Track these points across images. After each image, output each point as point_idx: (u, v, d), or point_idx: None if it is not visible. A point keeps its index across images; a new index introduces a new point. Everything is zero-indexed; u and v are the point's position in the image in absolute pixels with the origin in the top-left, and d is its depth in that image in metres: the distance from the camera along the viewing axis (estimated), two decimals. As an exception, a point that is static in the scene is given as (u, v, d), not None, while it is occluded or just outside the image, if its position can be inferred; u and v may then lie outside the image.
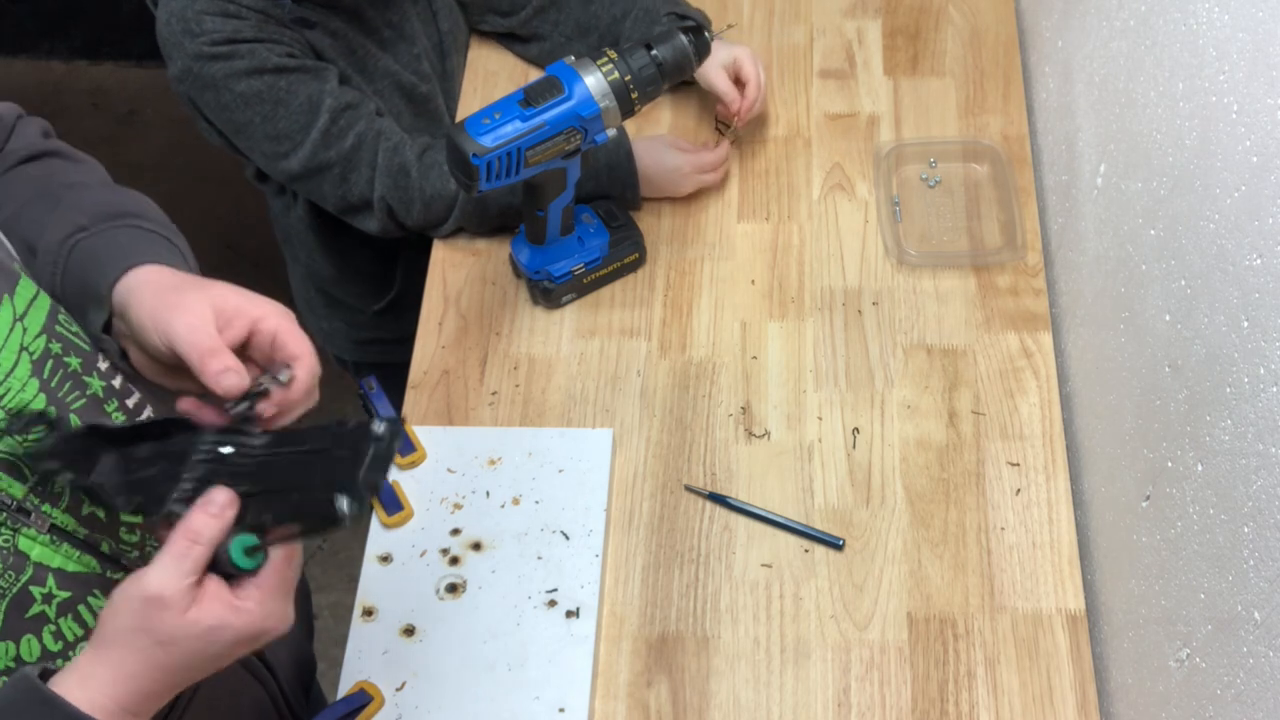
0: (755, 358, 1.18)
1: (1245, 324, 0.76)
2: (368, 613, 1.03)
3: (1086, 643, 1.02)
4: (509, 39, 1.42)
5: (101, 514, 0.76)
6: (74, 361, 0.76)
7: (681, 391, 1.17)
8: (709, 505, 1.10)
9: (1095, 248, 1.09)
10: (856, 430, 1.13)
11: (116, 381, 0.80)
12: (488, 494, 1.09)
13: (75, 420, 0.75)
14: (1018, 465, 1.10)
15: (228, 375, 0.71)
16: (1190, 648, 0.84)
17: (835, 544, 1.07)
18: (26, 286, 0.74)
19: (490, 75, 1.41)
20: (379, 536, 1.08)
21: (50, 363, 0.73)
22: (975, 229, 1.26)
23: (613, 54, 1.06)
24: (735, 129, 1.31)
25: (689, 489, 1.11)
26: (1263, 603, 0.73)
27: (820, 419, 1.14)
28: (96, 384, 0.78)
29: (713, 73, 1.25)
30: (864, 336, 1.19)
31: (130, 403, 0.81)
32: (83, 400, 0.76)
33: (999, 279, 1.22)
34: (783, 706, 1.00)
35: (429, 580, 1.05)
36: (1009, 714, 0.99)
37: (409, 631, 1.02)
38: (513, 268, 1.25)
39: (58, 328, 0.75)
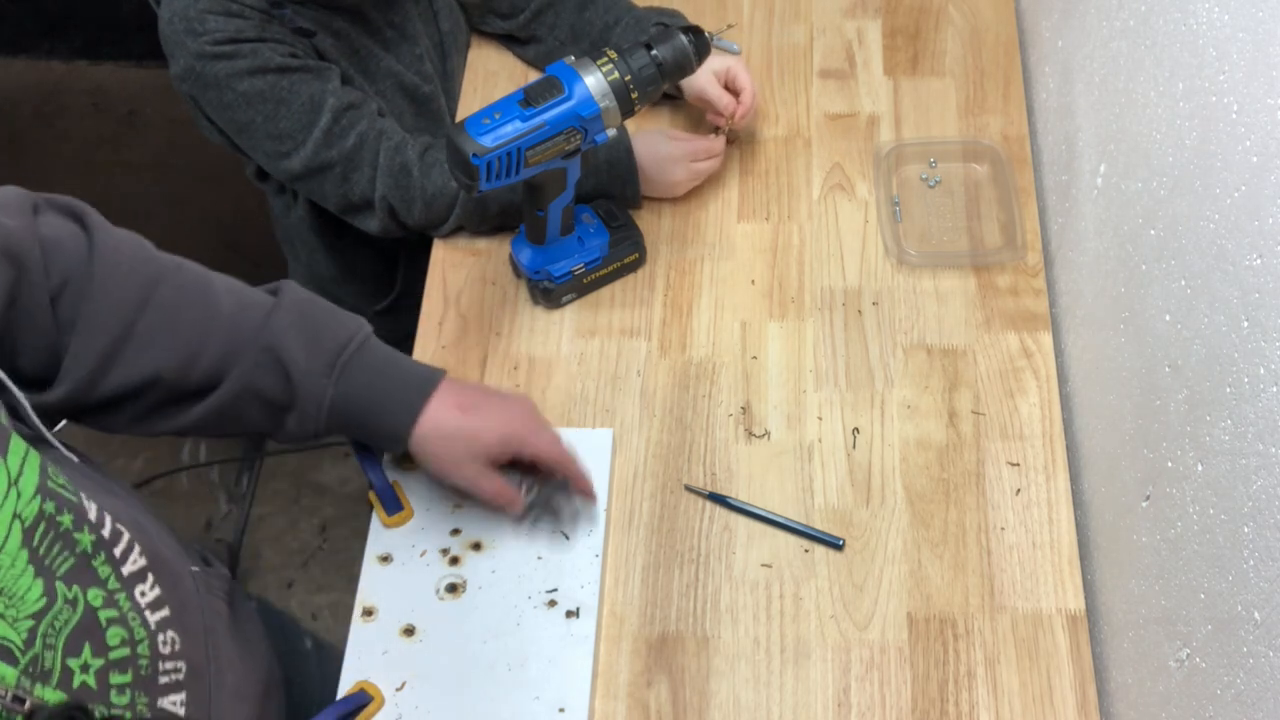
0: (755, 358, 1.18)
1: (1245, 324, 0.76)
2: (368, 613, 1.03)
3: (1086, 643, 1.02)
4: (508, 40, 1.42)
5: (92, 682, 0.74)
6: (66, 519, 0.75)
7: (681, 391, 1.17)
8: (709, 505, 1.10)
9: (1095, 248, 1.09)
10: (856, 430, 1.13)
11: (106, 530, 0.79)
12: (488, 494, 1.09)
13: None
14: (1018, 465, 1.10)
15: (516, 506, 1.04)
16: (1190, 648, 0.85)
17: (835, 544, 1.07)
18: (17, 444, 0.73)
19: (490, 75, 1.41)
20: (379, 536, 1.08)
21: (42, 526, 0.73)
22: (975, 229, 1.26)
23: (613, 54, 1.06)
24: (733, 131, 1.31)
25: (689, 489, 1.11)
26: (1263, 603, 0.73)
27: (820, 419, 1.14)
28: (86, 539, 0.77)
29: (705, 80, 1.25)
30: (864, 336, 1.19)
31: (118, 551, 0.80)
32: (70, 560, 0.75)
33: (999, 279, 1.22)
34: (783, 706, 1.00)
35: (429, 580, 1.05)
36: (1009, 714, 0.99)
37: (409, 631, 1.02)
38: (513, 268, 1.25)
39: (49, 484, 0.74)
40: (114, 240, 0.88)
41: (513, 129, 1.02)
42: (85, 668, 0.73)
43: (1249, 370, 0.75)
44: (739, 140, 1.33)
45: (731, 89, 1.26)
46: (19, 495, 0.71)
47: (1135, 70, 0.99)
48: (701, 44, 1.11)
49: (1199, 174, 0.85)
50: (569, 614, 1.03)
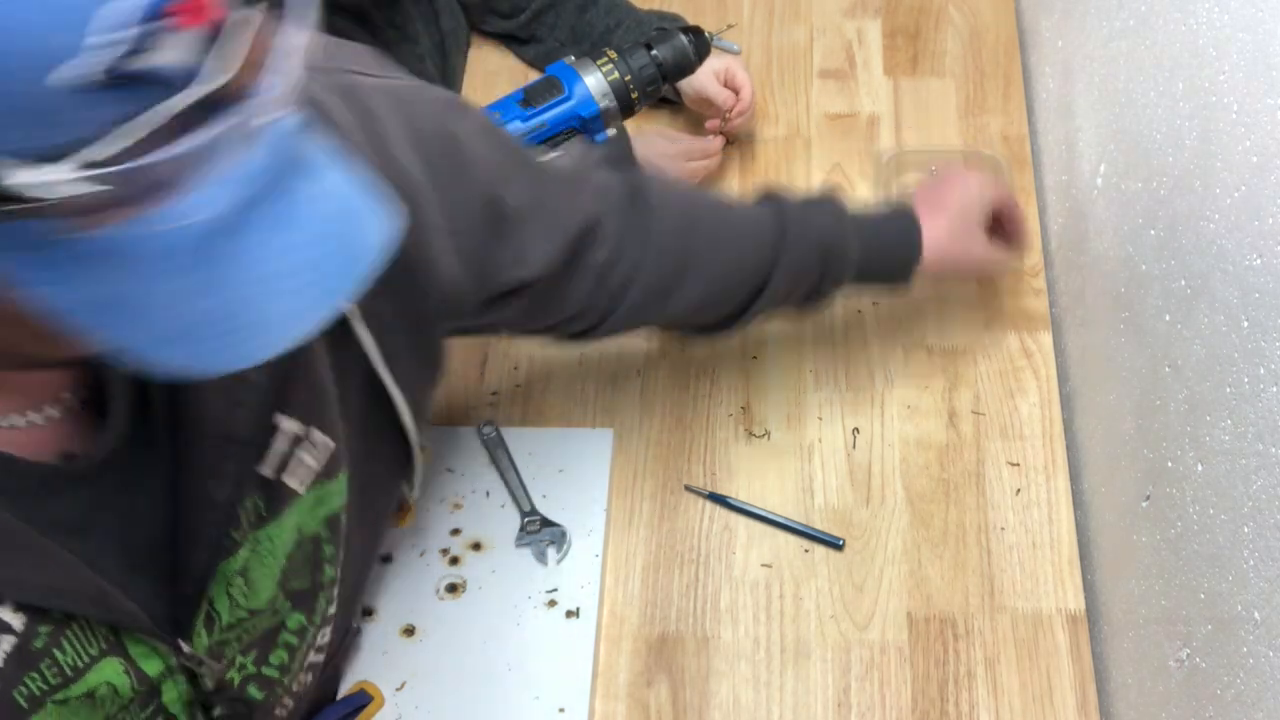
0: (755, 358, 1.18)
1: (1245, 324, 0.76)
2: (367, 613, 1.03)
3: (1086, 643, 1.02)
4: (508, 40, 1.43)
5: (236, 681, 0.76)
6: (329, 550, 0.79)
7: (681, 391, 1.17)
8: (709, 505, 1.10)
9: (1095, 248, 1.09)
10: (856, 430, 1.13)
11: (347, 575, 0.84)
12: (488, 494, 1.09)
13: None
14: (1018, 465, 1.10)
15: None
16: (1190, 648, 0.85)
17: (835, 544, 1.07)
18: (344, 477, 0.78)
19: (490, 75, 1.41)
20: (379, 536, 1.08)
21: (308, 546, 0.77)
22: (975, 229, 1.26)
23: (613, 54, 1.06)
24: (732, 132, 1.31)
25: (689, 489, 1.11)
26: (1263, 603, 0.73)
27: (820, 419, 1.14)
28: (329, 574, 0.80)
29: (704, 78, 1.25)
30: (864, 336, 1.19)
31: (336, 592, 0.83)
32: (305, 584, 0.78)
33: (999, 279, 1.21)
34: (783, 706, 1.00)
35: (429, 580, 1.05)
36: (1009, 714, 0.98)
37: (409, 631, 1.02)
38: (513, 268, 1.25)
39: (342, 515, 0.79)
40: (652, 185, 0.92)
41: (513, 129, 1.02)
42: (242, 668, 0.75)
43: (1249, 370, 0.75)
44: (739, 141, 1.33)
45: (730, 87, 1.26)
46: (312, 514, 0.75)
47: (1135, 70, 0.99)
48: (701, 44, 1.11)
49: (1199, 174, 0.85)
50: (569, 614, 1.03)
